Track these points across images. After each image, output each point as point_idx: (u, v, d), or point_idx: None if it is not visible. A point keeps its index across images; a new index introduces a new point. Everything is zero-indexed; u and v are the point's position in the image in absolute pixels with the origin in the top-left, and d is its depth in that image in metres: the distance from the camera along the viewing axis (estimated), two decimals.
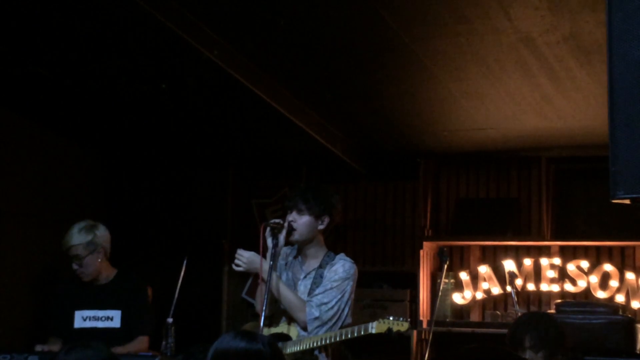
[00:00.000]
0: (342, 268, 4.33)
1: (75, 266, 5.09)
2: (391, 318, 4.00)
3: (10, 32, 4.67)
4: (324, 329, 4.21)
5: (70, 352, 2.89)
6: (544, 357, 4.07)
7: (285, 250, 4.50)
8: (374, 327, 3.97)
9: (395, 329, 3.97)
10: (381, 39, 4.60)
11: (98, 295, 5.14)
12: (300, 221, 4.34)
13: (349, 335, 4.09)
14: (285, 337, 4.27)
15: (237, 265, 4.37)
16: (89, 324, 5.10)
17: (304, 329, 4.25)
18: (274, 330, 4.35)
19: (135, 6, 4.04)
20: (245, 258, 4.35)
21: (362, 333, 4.03)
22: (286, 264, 4.50)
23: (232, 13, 4.40)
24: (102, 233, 5.17)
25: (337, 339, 4.14)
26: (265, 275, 4.24)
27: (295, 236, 4.35)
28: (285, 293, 4.28)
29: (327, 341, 4.13)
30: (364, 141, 6.70)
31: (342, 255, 4.43)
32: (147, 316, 5.14)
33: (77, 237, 5.10)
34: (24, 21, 4.51)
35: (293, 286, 4.40)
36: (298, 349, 4.20)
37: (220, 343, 2.76)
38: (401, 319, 4.01)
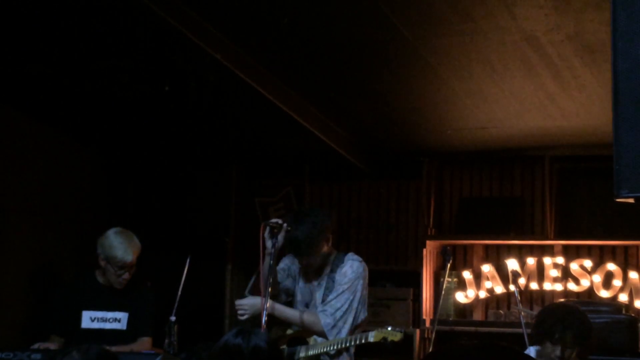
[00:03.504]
0: (350, 269, 4.44)
1: (125, 275, 5.09)
2: (389, 328, 4.17)
3: (14, 31, 4.67)
4: (344, 331, 4.30)
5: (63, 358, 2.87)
6: (574, 352, 4.06)
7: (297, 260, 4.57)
8: (372, 336, 4.17)
9: (390, 338, 4.16)
10: (385, 38, 4.59)
11: (107, 296, 5.16)
12: (312, 259, 4.44)
13: (352, 343, 4.27)
14: (303, 341, 4.36)
15: (242, 315, 4.44)
16: (96, 325, 5.12)
17: (324, 337, 4.33)
18: (289, 332, 4.43)
19: (140, 5, 4.03)
20: (246, 306, 4.45)
21: (363, 341, 4.21)
22: (299, 270, 4.58)
23: (235, 12, 4.39)
24: None
25: (342, 346, 4.29)
26: (266, 272, 4.29)
27: (314, 268, 4.47)
28: (293, 317, 4.39)
29: (334, 347, 4.25)
30: (368, 140, 6.70)
31: (350, 255, 4.52)
32: (150, 319, 5.19)
33: (134, 249, 5.10)
34: (29, 20, 4.51)
35: (310, 294, 4.47)
36: (311, 353, 4.30)
37: None
38: (397, 329, 4.18)
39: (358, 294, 4.40)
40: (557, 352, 4.04)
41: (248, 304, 4.42)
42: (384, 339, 4.13)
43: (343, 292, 4.37)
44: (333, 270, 4.45)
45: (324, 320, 4.32)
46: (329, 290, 4.41)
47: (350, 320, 4.36)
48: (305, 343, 4.39)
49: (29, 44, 4.84)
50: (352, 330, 4.38)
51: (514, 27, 4.32)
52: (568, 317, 4.13)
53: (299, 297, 4.54)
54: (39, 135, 6.26)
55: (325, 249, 4.47)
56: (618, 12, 2.34)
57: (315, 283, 4.49)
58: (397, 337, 4.14)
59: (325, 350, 4.30)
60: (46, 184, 6.33)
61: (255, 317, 4.41)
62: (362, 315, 4.45)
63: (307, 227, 4.36)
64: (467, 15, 4.24)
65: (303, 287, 4.53)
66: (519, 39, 4.48)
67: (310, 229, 4.36)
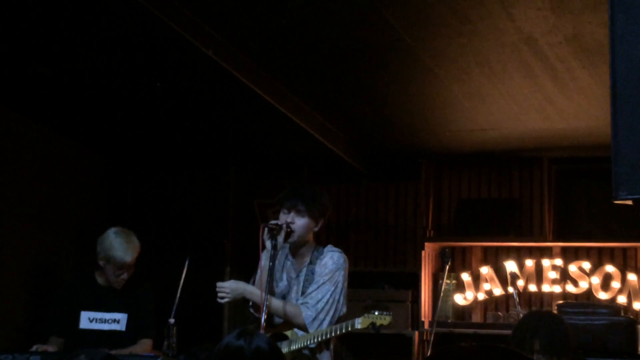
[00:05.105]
0: (330, 260, 4.36)
1: (124, 275, 5.11)
2: (376, 313, 4.04)
3: (11, 32, 4.67)
4: (325, 323, 4.23)
5: None
6: (551, 359, 4.05)
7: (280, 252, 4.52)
8: (359, 323, 4.04)
9: (378, 323, 4.02)
10: (383, 40, 4.59)
11: (106, 297, 5.17)
12: (299, 223, 4.35)
13: (338, 332, 4.15)
14: (283, 337, 4.30)
15: (222, 298, 4.37)
16: (95, 326, 5.13)
17: (305, 331, 4.26)
18: (271, 330, 4.37)
19: (139, 7, 4.03)
20: (227, 288, 4.37)
21: (350, 329, 4.09)
22: (283, 266, 4.51)
23: (235, 14, 4.40)
24: None
25: (327, 336, 4.19)
26: (265, 273, 4.26)
27: (294, 237, 4.36)
28: (277, 307, 4.29)
29: (318, 339, 4.17)
30: (366, 141, 6.70)
31: (329, 247, 4.45)
32: (151, 319, 5.20)
33: (133, 249, 5.12)
34: (25, 20, 4.51)
35: (288, 287, 4.42)
36: (294, 347, 4.23)
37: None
38: (384, 312, 4.05)
39: (339, 285, 4.30)
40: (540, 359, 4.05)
41: (230, 287, 4.35)
42: (372, 324, 3.99)
43: (324, 283, 4.27)
44: (312, 262, 4.36)
45: (305, 312, 4.23)
46: (308, 282, 4.32)
47: (332, 312, 4.25)
48: (285, 338, 4.29)
49: (26, 44, 4.84)
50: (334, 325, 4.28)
51: (512, 29, 4.32)
52: (537, 326, 4.11)
53: (277, 289, 4.44)
54: (37, 136, 6.26)
55: (310, 237, 4.43)
56: (616, 14, 2.34)
57: (293, 275, 4.44)
58: (386, 320, 4.00)
59: (307, 343, 4.20)
60: (44, 185, 6.33)
61: (237, 300, 4.39)
62: (344, 309, 4.34)
63: (316, 188, 4.53)
64: (465, 18, 4.24)
65: (280, 279, 4.48)
66: (517, 40, 4.48)
67: (319, 190, 4.51)
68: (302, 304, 4.28)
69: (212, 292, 4.47)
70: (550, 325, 4.15)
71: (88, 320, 5.14)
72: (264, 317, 4.08)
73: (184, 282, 4.76)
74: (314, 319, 4.23)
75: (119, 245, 5.07)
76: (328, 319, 4.25)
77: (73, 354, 2.86)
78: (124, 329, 5.16)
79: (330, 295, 4.28)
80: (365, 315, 4.04)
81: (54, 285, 6.03)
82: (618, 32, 2.33)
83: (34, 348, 4.80)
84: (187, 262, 4.84)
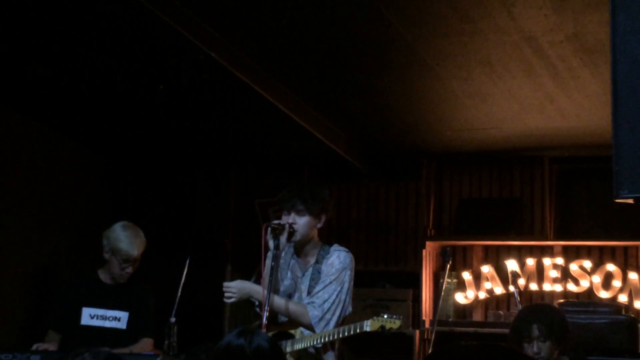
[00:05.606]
0: (337, 260, 4.35)
1: (129, 269, 5.12)
2: (385, 316, 4.03)
3: (11, 32, 4.67)
4: (332, 324, 4.23)
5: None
6: (551, 347, 4.06)
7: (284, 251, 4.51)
8: (368, 325, 4.02)
9: (388, 326, 4.01)
10: (384, 38, 4.59)
11: (108, 294, 5.18)
12: (301, 222, 4.35)
13: (345, 334, 4.13)
14: (288, 336, 4.29)
15: (229, 298, 4.37)
16: (96, 323, 5.14)
17: (311, 330, 4.26)
18: (276, 328, 4.36)
19: (140, 7, 4.03)
20: (234, 288, 4.36)
21: (358, 331, 4.07)
22: (288, 265, 4.51)
23: (234, 12, 4.39)
24: None
25: (334, 337, 4.18)
26: (267, 273, 4.25)
27: (297, 237, 4.36)
28: (279, 306, 4.28)
29: (325, 339, 4.16)
30: (367, 141, 6.70)
31: (336, 246, 4.44)
32: (152, 319, 5.21)
33: (140, 243, 5.13)
34: (25, 20, 4.51)
35: (295, 286, 4.42)
36: (298, 347, 4.22)
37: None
38: (394, 316, 4.05)
39: (346, 285, 4.29)
40: (534, 348, 4.06)
41: (236, 287, 4.34)
42: (382, 327, 3.98)
43: (330, 282, 4.27)
44: (319, 262, 4.35)
45: (312, 312, 4.22)
46: (314, 281, 4.31)
47: (338, 312, 4.25)
48: (291, 337, 4.28)
49: (26, 44, 4.84)
50: (339, 325, 4.26)
51: (513, 27, 4.32)
52: (532, 313, 4.18)
53: (281, 288, 4.44)
54: (37, 136, 6.26)
55: (314, 233, 4.42)
56: (617, 13, 2.34)
57: (299, 274, 4.43)
58: (396, 324, 4.00)
59: (313, 342, 4.18)
60: (45, 185, 6.33)
61: (244, 301, 4.39)
62: (349, 309, 4.34)
63: (316, 185, 4.56)
64: (466, 16, 4.24)
65: (286, 279, 4.47)
66: (518, 39, 4.48)
67: (318, 187, 4.51)
68: (308, 303, 4.27)
69: (213, 291, 4.47)
70: (548, 312, 4.19)
71: (89, 316, 5.15)
72: (265, 315, 4.07)
73: (184, 282, 4.76)
74: (321, 318, 4.22)
75: (125, 238, 5.09)
76: (334, 319, 4.25)
77: (76, 352, 2.85)
78: (124, 327, 5.17)
79: (337, 295, 4.27)
80: (375, 318, 4.02)
81: (54, 284, 6.03)
82: (619, 30, 2.33)
83: (35, 347, 4.81)
84: (187, 262, 4.84)
